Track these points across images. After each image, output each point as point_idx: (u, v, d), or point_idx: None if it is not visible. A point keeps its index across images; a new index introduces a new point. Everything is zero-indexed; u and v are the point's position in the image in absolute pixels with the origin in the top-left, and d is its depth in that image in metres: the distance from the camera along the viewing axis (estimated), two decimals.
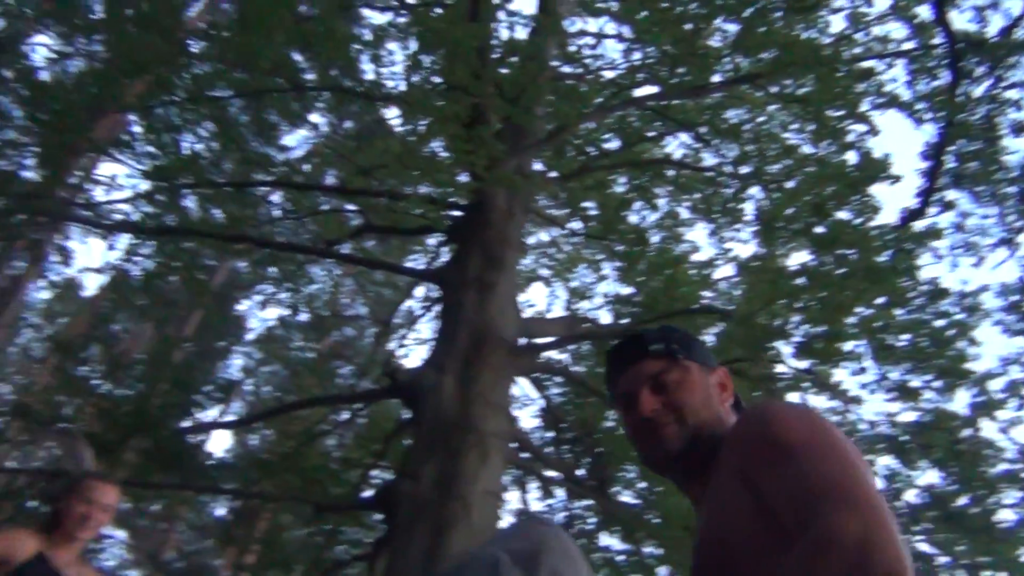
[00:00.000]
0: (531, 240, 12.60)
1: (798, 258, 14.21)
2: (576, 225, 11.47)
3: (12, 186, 8.77)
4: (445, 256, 9.56)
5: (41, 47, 11.04)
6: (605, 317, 10.77)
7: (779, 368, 8.22)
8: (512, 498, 10.23)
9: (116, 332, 21.28)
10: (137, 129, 9.94)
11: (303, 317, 18.59)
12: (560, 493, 10.32)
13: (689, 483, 1.70)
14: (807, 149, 9.16)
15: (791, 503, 1.39)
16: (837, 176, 8.27)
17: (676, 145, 10.58)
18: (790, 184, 8.85)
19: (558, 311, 12.68)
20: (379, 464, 8.96)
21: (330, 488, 9.14)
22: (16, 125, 9.51)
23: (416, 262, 13.87)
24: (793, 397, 8.80)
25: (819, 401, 9.11)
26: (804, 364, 8.13)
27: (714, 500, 1.56)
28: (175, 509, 16.32)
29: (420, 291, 12.60)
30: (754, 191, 9.53)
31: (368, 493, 8.53)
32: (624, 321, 9.81)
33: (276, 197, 10.70)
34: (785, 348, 7.95)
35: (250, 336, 21.91)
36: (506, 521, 11.58)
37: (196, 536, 22.83)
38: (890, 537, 1.27)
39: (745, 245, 14.00)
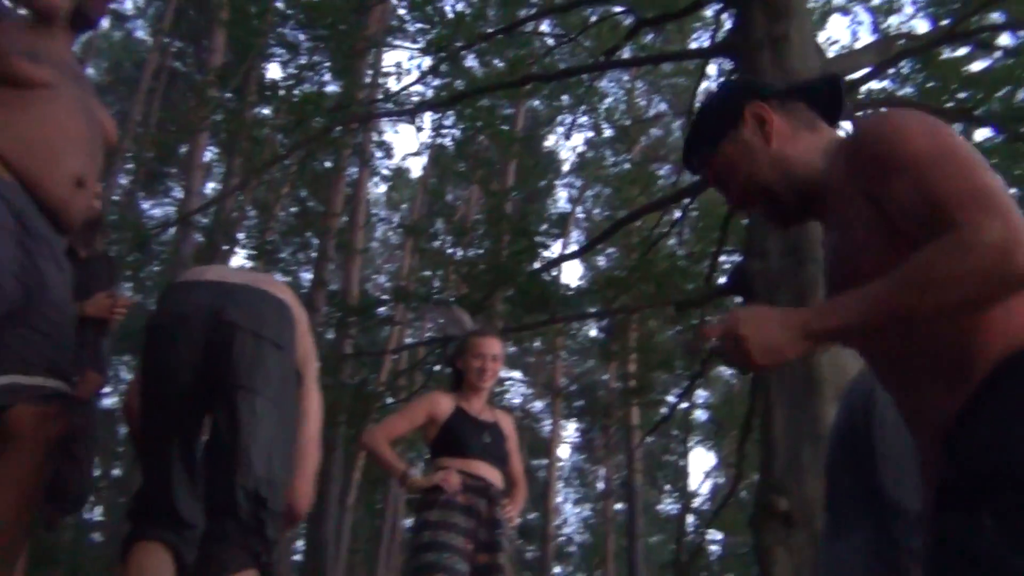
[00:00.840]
0: None
1: None
2: None
3: (322, 104, 9.60)
4: (728, 24, 9.03)
5: None
6: (921, 25, 9.66)
7: None
8: None
9: (451, 202, 22.94)
10: (401, 12, 10.37)
11: (608, 133, 18.76)
12: None
13: (814, 214, 1.64)
14: None
15: (924, 211, 1.34)
16: None
17: None
18: None
19: (866, 38, 11.57)
20: (724, 250, 8.97)
21: (684, 285, 9.35)
22: (305, 49, 10.34)
23: (700, 40, 13.29)
24: None
25: None
26: None
27: (839, 221, 1.52)
28: (553, 341, 17.69)
29: (712, 69, 12.07)
30: None
31: (722, 281, 8.61)
32: (946, 22, 8.73)
33: (545, 27, 10.71)
34: None
35: (566, 167, 22.60)
36: None
37: (579, 359, 24.66)
38: None
39: None
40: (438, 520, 3.49)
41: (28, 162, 2.02)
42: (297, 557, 28.71)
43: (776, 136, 1.61)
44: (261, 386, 2.12)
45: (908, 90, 9.56)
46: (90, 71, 26.41)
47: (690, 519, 19.16)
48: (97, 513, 21.31)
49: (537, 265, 10.06)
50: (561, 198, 24.05)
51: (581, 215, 23.89)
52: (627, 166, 18.48)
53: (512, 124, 16.74)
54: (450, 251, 12.69)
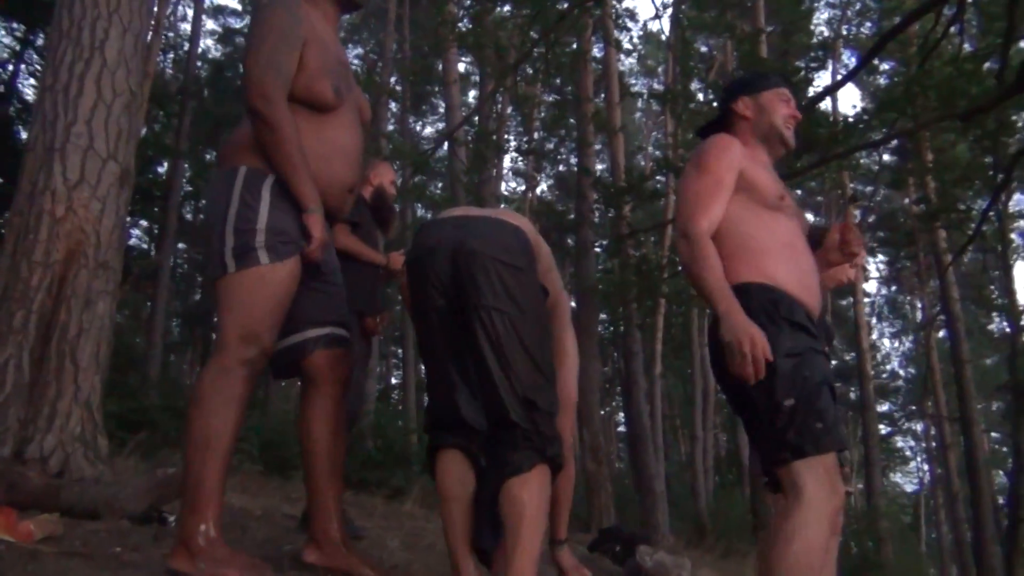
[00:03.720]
0: None
1: None
2: None
3: None
4: None
5: None
6: None
7: None
8: None
9: (706, 53, 22.08)
10: None
11: None
12: None
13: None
14: None
15: None
16: None
17: None
18: None
19: None
20: (1009, 43, 7.92)
21: (971, 90, 8.43)
22: None
23: None
24: None
25: None
26: None
27: None
28: (839, 176, 16.70)
29: None
30: None
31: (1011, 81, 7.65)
32: None
33: None
34: None
35: None
36: None
37: (871, 187, 23.09)
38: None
39: None
40: None
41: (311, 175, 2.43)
42: (621, 428, 30.20)
43: None
44: (507, 303, 2.34)
45: None
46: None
47: None
48: None
49: (810, 97, 9.47)
50: (820, 22, 22.31)
51: (846, 33, 22.02)
52: None
53: None
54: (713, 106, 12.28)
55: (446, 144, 15.03)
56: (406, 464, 12.34)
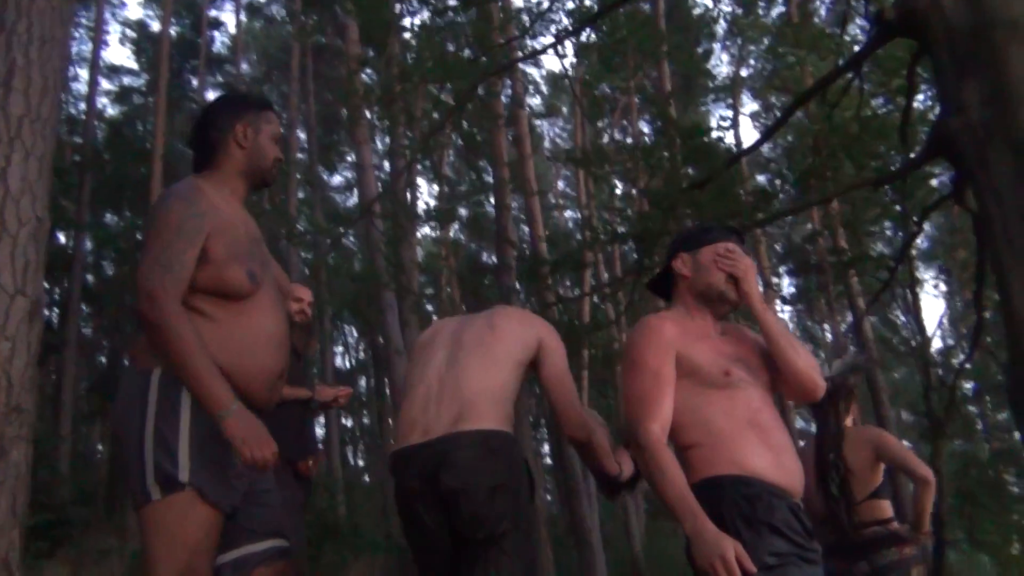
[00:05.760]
0: None
1: None
2: None
3: (462, 63, 9.53)
4: None
5: None
6: None
7: None
8: None
9: (610, 95, 22.34)
10: None
11: None
12: None
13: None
14: None
15: None
16: None
17: None
18: None
19: None
20: (911, 104, 8.13)
21: (878, 148, 8.65)
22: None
23: None
24: None
25: None
26: None
27: None
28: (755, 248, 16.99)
29: None
30: None
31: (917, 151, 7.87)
32: None
33: None
34: None
35: (720, 30, 21.41)
36: None
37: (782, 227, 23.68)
38: None
39: None
40: None
41: (234, 369, 2.20)
42: (547, 460, 30.15)
43: None
44: (499, 535, 2.33)
45: None
46: (244, 67, 27.62)
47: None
48: None
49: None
50: (723, 63, 22.98)
51: (748, 73, 22.68)
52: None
53: (654, 6, 15.95)
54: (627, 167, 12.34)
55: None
56: None
